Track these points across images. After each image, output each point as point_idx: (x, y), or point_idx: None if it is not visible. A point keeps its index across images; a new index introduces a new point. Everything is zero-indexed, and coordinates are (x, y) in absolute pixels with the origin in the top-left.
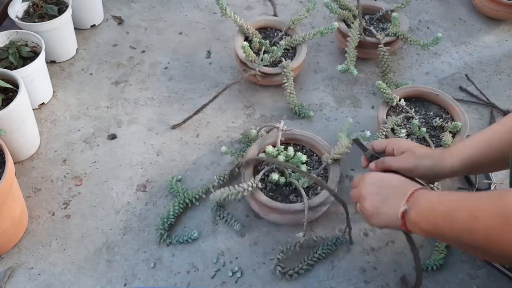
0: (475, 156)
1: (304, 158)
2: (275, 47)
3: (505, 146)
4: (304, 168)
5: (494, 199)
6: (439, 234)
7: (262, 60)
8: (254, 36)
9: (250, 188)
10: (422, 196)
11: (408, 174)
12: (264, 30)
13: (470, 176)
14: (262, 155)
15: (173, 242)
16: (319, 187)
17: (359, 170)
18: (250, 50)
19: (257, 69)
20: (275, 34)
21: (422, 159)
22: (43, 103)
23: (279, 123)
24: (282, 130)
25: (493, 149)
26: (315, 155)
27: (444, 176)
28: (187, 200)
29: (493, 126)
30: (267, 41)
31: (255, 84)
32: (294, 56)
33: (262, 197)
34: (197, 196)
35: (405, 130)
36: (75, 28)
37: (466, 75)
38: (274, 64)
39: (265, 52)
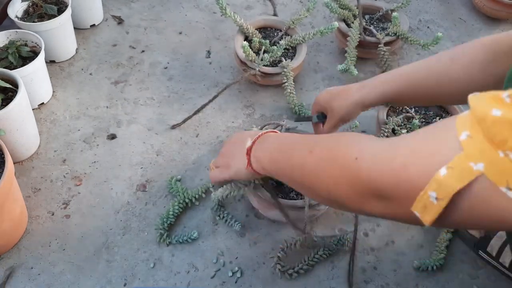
0: (395, 93)
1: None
2: (275, 47)
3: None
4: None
5: (333, 138)
6: (277, 171)
7: (262, 59)
8: (254, 35)
9: (252, 184)
10: (271, 136)
11: (344, 122)
12: (264, 30)
13: None
14: None
15: (172, 242)
16: None
17: None
18: (250, 49)
19: (257, 69)
20: (275, 34)
21: (337, 107)
22: (42, 103)
23: (283, 121)
24: (286, 128)
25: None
26: None
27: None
28: (187, 200)
29: (419, 62)
30: (267, 41)
31: (255, 84)
32: (294, 56)
33: (263, 192)
34: (196, 196)
35: (406, 130)
36: (74, 28)
37: None
38: (274, 64)
39: (265, 51)
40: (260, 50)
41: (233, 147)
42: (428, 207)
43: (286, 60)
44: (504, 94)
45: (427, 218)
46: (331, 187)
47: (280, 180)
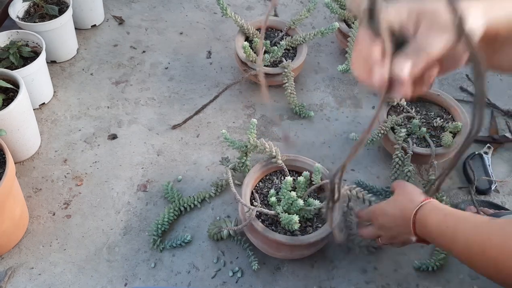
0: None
1: (318, 204)
2: (275, 47)
3: None
4: (316, 203)
5: (501, 234)
6: (448, 249)
7: (262, 60)
8: (255, 36)
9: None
10: (424, 221)
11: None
12: (265, 31)
13: (469, 173)
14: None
15: (166, 247)
16: (318, 220)
17: (359, 170)
18: (251, 50)
19: (258, 69)
20: (276, 34)
21: None
22: (43, 103)
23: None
24: (283, 162)
25: None
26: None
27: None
28: (181, 208)
29: None
30: (268, 41)
31: (256, 84)
32: (295, 56)
33: (276, 235)
34: (192, 205)
35: (405, 130)
36: (75, 28)
37: (467, 75)
38: (274, 64)
39: (265, 52)
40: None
41: (394, 227)
42: None
43: (286, 60)
44: None
45: None
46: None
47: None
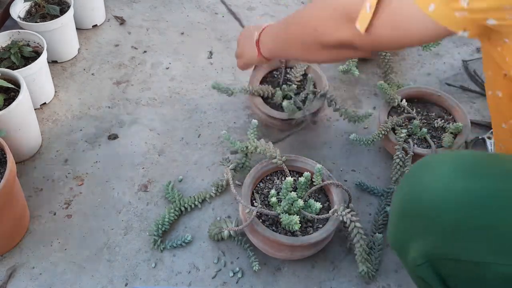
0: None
1: (318, 206)
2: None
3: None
4: (317, 205)
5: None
6: (278, 41)
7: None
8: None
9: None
10: (271, 25)
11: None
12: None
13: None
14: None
15: (167, 248)
16: (319, 221)
17: (359, 171)
18: (291, 105)
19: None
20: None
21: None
22: (44, 103)
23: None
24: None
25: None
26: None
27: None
28: (182, 208)
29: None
30: (288, 89)
31: None
32: None
33: (276, 235)
34: (192, 205)
35: (406, 130)
36: (77, 28)
37: (468, 76)
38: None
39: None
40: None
41: (244, 41)
42: (364, 17)
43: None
44: None
45: (363, 25)
46: (318, 21)
47: (281, 54)
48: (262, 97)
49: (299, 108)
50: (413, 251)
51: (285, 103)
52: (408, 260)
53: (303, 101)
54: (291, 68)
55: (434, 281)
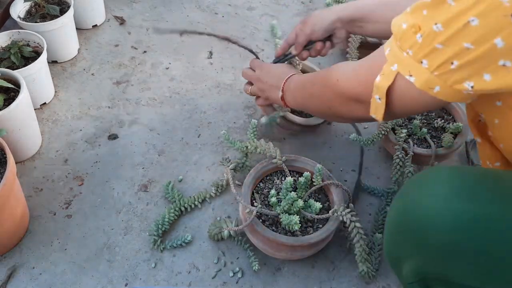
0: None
1: (318, 206)
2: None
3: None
4: (317, 205)
5: (323, 72)
6: (301, 104)
7: None
8: None
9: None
10: (291, 80)
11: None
12: None
13: (470, 155)
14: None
15: (167, 248)
16: (319, 221)
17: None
18: None
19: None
20: None
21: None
22: (44, 103)
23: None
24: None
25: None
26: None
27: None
28: (182, 208)
29: None
30: None
31: None
32: None
33: (276, 235)
34: (192, 205)
35: (406, 130)
36: (76, 28)
37: None
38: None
39: None
40: None
41: (268, 86)
42: (377, 107)
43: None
44: (408, 8)
45: (379, 115)
46: (328, 103)
47: (302, 109)
48: None
49: None
50: (406, 268)
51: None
52: (400, 276)
53: None
54: None
55: None
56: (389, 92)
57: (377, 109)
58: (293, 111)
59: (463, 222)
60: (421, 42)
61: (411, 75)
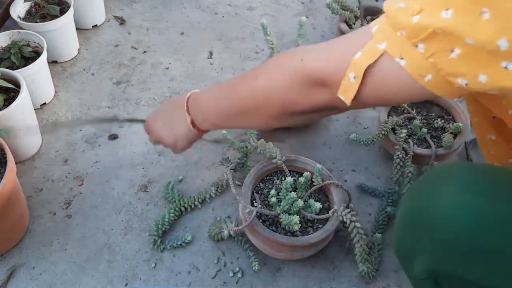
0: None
1: (318, 206)
2: None
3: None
4: (317, 205)
5: (273, 59)
6: (226, 115)
7: None
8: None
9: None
10: (196, 98)
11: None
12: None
13: (470, 155)
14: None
15: (167, 248)
16: (319, 221)
17: (359, 171)
18: None
19: None
20: None
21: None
22: (44, 103)
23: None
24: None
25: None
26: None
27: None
28: (182, 208)
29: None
30: None
31: None
32: None
33: (276, 235)
34: (192, 205)
35: (406, 130)
36: (77, 28)
37: None
38: None
39: None
40: None
41: (168, 127)
42: (348, 88)
43: None
44: None
45: (348, 96)
46: (284, 93)
47: (230, 125)
48: None
49: None
50: (417, 264)
51: None
52: (411, 272)
53: None
54: None
55: None
56: (367, 72)
57: (347, 90)
58: None
59: (480, 220)
60: (420, 24)
61: (402, 58)
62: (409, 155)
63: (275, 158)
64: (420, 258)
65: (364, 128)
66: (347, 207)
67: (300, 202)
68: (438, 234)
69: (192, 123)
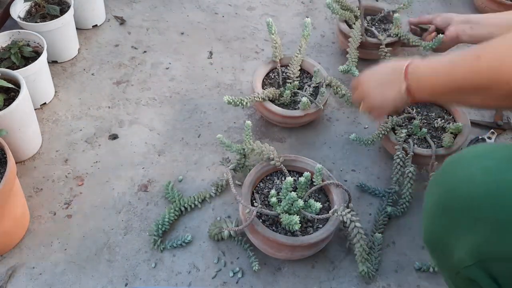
0: None
1: (319, 206)
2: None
3: None
4: (317, 205)
5: (492, 40)
6: (443, 91)
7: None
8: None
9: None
10: (416, 68)
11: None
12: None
13: None
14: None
15: (167, 248)
16: (319, 221)
17: (359, 171)
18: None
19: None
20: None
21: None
22: (44, 103)
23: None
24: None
25: None
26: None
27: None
28: (182, 208)
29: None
30: (291, 86)
31: None
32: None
33: (276, 235)
34: (192, 205)
35: (406, 130)
36: (77, 28)
37: None
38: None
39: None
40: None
41: (380, 87)
42: None
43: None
44: None
45: None
46: (486, 95)
47: (446, 100)
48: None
49: (311, 102)
50: (459, 250)
51: (304, 99)
52: (451, 260)
53: (311, 95)
54: (286, 66)
55: (486, 283)
56: None
57: None
58: (272, 100)
59: None
60: None
61: None
62: (409, 155)
63: (272, 160)
64: (461, 243)
65: (364, 128)
66: (347, 207)
67: (300, 202)
68: (478, 212)
69: (407, 90)
